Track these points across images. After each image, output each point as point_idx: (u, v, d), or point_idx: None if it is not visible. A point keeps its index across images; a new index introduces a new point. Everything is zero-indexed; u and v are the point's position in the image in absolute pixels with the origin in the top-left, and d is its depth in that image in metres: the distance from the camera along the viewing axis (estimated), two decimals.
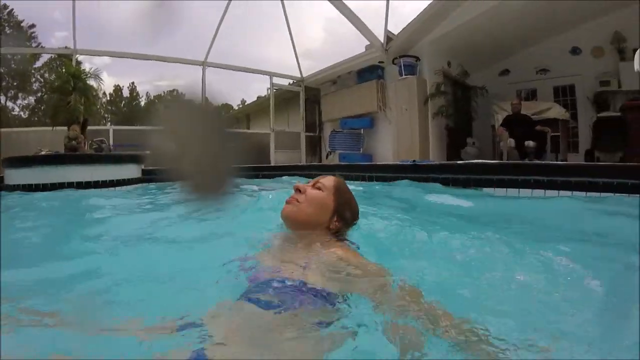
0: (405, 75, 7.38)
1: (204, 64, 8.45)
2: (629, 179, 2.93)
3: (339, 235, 1.26)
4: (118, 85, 31.54)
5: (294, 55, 9.41)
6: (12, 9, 17.76)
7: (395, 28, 7.57)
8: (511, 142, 6.01)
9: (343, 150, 8.53)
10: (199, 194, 0.85)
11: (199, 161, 0.79)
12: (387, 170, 4.94)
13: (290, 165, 7.06)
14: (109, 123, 27.45)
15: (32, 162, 4.91)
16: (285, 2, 8.73)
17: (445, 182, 4.12)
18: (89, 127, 5.92)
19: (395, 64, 7.61)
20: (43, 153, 5.37)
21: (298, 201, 1.23)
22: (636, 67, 4.14)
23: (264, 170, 6.69)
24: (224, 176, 0.84)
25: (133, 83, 32.87)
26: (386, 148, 7.95)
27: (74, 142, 5.27)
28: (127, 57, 7.95)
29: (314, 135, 9.90)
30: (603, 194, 3.00)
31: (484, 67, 8.48)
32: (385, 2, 7.38)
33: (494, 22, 6.64)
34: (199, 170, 0.80)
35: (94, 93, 6.01)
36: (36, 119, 21.10)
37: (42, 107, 20.32)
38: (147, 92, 32.84)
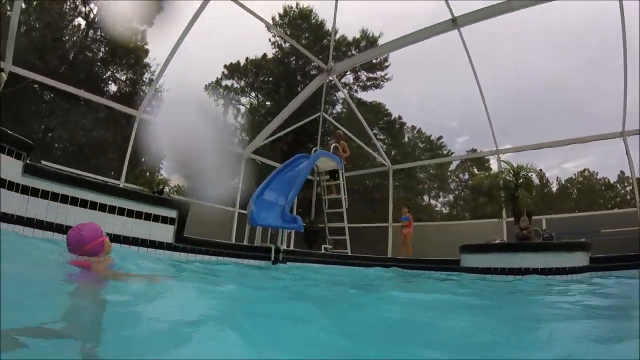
0: None
1: (623, 134, 6.84)
2: None
3: None
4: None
5: None
6: (420, 127, 23.66)
7: None
8: None
9: None
10: None
11: None
12: None
13: None
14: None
15: (489, 250, 5.54)
16: None
17: None
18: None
19: None
20: (497, 242, 5.91)
21: None
22: None
23: None
24: None
25: (541, 170, 33.73)
26: None
27: (525, 232, 5.70)
28: (542, 147, 7.99)
29: None
30: None
31: None
32: None
33: None
34: None
35: (534, 186, 6.51)
36: (455, 212, 25.59)
37: (461, 203, 25.35)
38: (558, 177, 30.95)
